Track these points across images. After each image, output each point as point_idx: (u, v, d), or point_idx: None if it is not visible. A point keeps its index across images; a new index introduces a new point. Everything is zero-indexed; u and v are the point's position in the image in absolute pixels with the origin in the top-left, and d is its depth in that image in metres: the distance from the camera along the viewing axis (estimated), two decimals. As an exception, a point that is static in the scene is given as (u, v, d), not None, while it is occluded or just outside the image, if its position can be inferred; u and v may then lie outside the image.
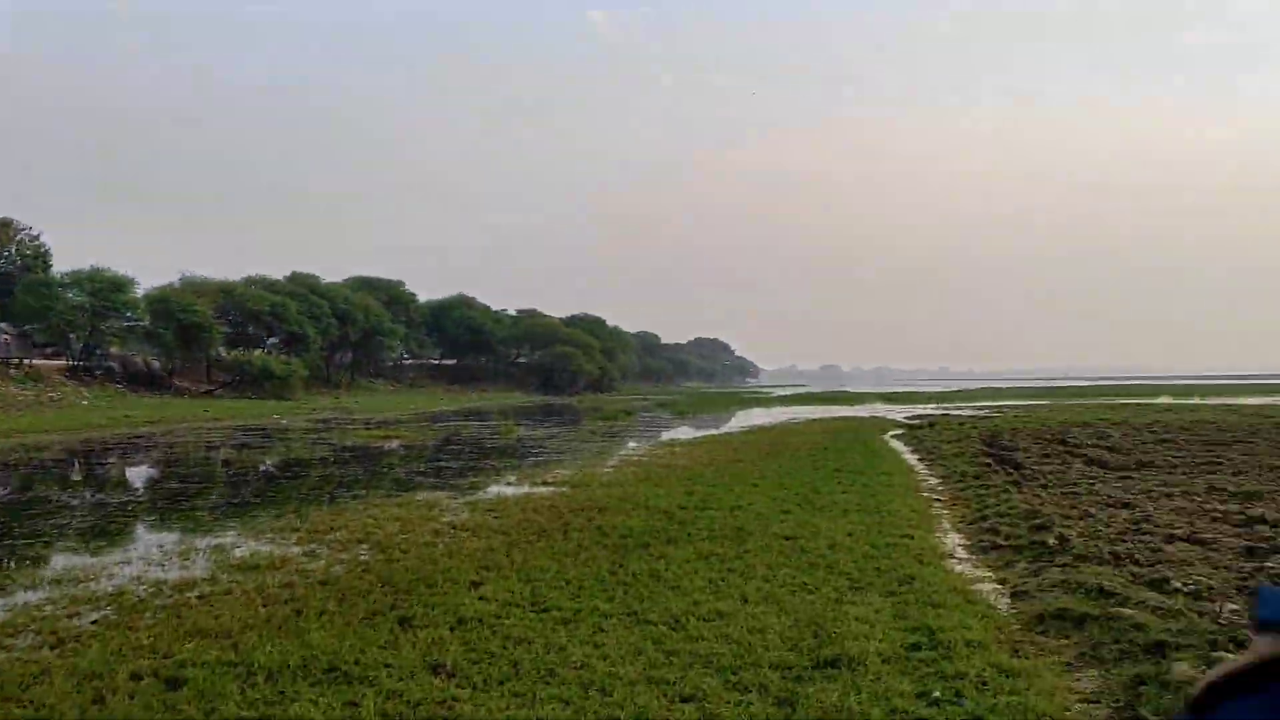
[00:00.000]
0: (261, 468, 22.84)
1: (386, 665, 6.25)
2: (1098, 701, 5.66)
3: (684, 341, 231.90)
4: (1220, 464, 18.23)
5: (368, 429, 37.47)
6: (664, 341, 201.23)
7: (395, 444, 30.11)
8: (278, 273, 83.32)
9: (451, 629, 7.09)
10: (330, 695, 5.71)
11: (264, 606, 7.88)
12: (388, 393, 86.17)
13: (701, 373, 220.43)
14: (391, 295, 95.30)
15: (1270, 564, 8.64)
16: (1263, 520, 11.10)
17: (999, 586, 8.79)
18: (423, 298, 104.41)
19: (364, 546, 10.84)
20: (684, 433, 34.98)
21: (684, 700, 5.60)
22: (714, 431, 34.93)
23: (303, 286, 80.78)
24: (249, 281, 78.29)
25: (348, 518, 13.04)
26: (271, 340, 78.54)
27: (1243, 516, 11.48)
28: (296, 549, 10.79)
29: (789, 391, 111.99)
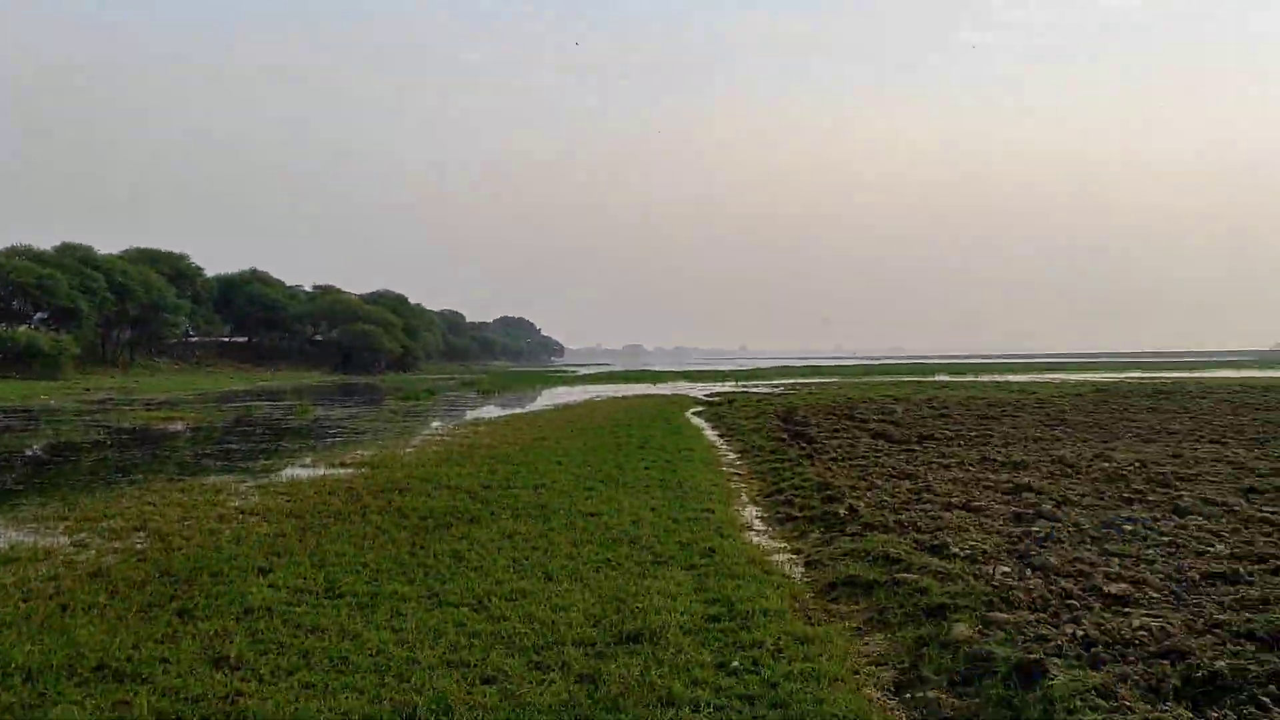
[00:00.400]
0: (27, 453, 21.00)
1: (163, 661, 5.83)
2: (884, 663, 5.93)
3: (489, 320, 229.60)
4: (991, 436, 19.58)
5: (148, 410, 35.15)
6: (469, 320, 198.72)
7: (180, 425, 28.38)
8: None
9: (237, 619, 6.70)
10: (98, 695, 5.27)
11: (24, 602, 7.20)
12: (172, 372, 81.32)
13: (507, 351, 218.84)
14: (176, 269, 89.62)
15: (1035, 528, 9.31)
16: (1029, 488, 11.97)
17: (794, 556, 9.11)
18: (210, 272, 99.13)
19: (141, 534, 10.11)
20: (489, 412, 34.57)
21: (485, 682, 5.48)
22: (519, 410, 34.71)
23: (74, 258, 74.80)
24: (11, 252, 71.92)
25: (124, 504, 12.14)
26: (40, 315, 72.50)
27: (1011, 485, 12.35)
28: (64, 539, 9.94)
29: (594, 370, 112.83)
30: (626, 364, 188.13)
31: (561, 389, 56.08)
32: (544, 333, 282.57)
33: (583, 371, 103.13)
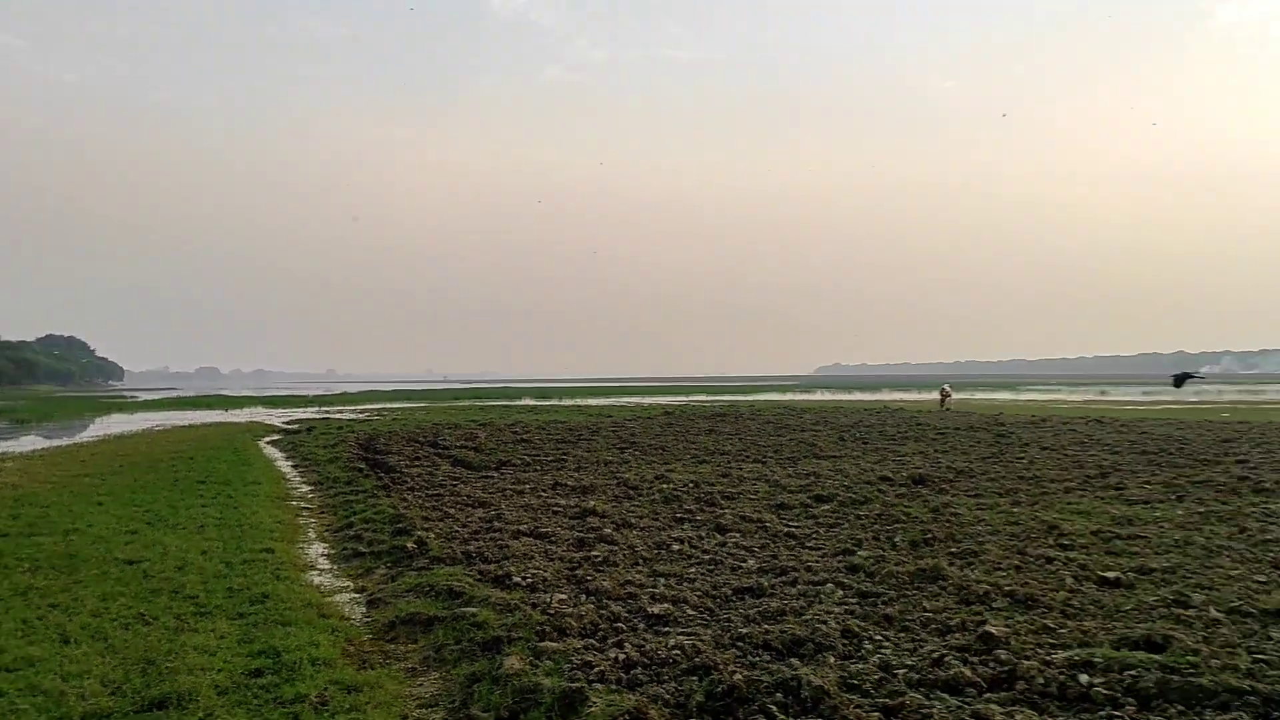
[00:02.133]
0: None
1: None
2: (435, 705, 5.81)
3: (30, 339, 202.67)
4: (566, 460, 20.34)
5: None
6: (4, 339, 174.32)
7: None
8: None
9: None
10: None
11: None
12: None
13: (54, 375, 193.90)
14: None
15: (595, 552, 9.70)
16: (594, 512, 12.50)
17: (357, 595, 8.77)
18: None
19: None
20: (23, 444, 30.28)
21: (-40, 778, 4.65)
22: (61, 442, 30.75)
23: None
24: None
25: None
26: None
27: (579, 509, 12.84)
28: None
29: (159, 395, 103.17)
30: (200, 388, 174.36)
31: (118, 417, 50.66)
32: (100, 354, 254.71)
33: (145, 397, 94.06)
